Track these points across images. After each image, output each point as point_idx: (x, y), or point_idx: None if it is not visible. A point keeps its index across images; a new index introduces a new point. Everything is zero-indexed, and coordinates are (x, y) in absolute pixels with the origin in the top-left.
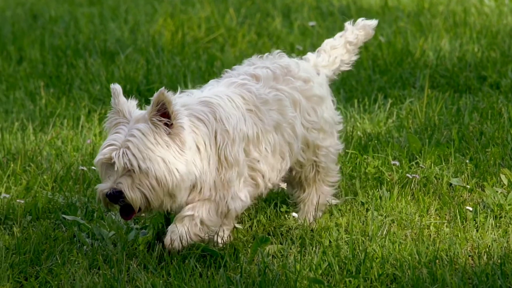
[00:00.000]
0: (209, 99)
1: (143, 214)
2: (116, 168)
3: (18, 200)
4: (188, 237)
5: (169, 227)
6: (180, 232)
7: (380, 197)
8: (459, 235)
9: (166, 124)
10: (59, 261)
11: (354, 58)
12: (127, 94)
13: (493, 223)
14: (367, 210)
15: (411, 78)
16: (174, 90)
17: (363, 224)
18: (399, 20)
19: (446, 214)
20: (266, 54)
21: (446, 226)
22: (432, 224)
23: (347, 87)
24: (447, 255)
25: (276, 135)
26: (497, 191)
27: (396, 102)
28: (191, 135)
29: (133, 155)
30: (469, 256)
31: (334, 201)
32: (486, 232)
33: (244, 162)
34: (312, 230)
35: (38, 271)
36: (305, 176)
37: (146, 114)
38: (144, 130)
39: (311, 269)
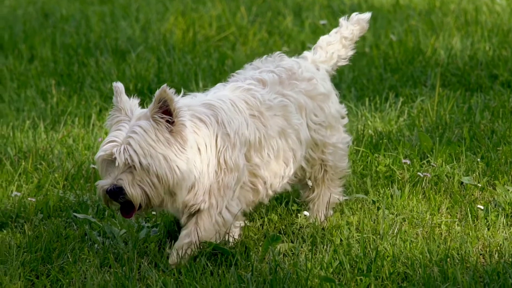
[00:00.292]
0: (212, 102)
1: (143, 213)
2: (117, 164)
3: (29, 198)
4: (191, 254)
5: (173, 248)
6: (183, 255)
7: (391, 196)
8: (470, 234)
9: (168, 121)
10: (70, 259)
11: (351, 52)
12: (138, 92)
13: (505, 222)
14: (378, 208)
15: (422, 76)
16: (186, 88)
17: (374, 222)
18: (411, 18)
19: (457, 213)
20: (265, 56)
21: (457, 224)
22: (443, 222)
23: (358, 86)
24: (458, 254)
25: (280, 141)
26: (508, 190)
27: (407, 100)
28: (192, 134)
29: (135, 151)
30: (480, 254)
31: (343, 198)
32: (497, 230)
33: (245, 168)
34: (323, 229)
35: (50, 269)
36: (314, 177)
37: (148, 112)
38: (145, 127)
39: (322, 267)
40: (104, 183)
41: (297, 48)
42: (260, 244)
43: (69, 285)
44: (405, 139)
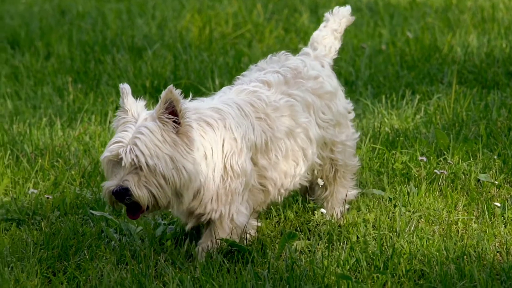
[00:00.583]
0: (220, 106)
1: (150, 214)
2: (123, 165)
3: (46, 196)
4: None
5: (195, 262)
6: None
7: (408, 193)
8: (487, 231)
9: (174, 122)
10: (87, 257)
11: (339, 45)
12: (154, 89)
13: None
14: (395, 206)
15: (439, 74)
16: (202, 86)
17: (390, 220)
18: (427, 16)
19: (474, 210)
20: (270, 55)
21: (474, 222)
22: (460, 220)
23: (375, 83)
24: (475, 251)
25: (288, 141)
26: None
27: (423, 98)
28: (198, 137)
29: (141, 151)
30: (497, 252)
31: (356, 191)
32: None
33: (252, 172)
34: (339, 226)
35: (66, 266)
36: (325, 176)
37: (154, 113)
38: (152, 128)
39: (339, 265)
40: (110, 184)
41: None
42: (276, 242)
43: (85, 282)
44: (422, 137)
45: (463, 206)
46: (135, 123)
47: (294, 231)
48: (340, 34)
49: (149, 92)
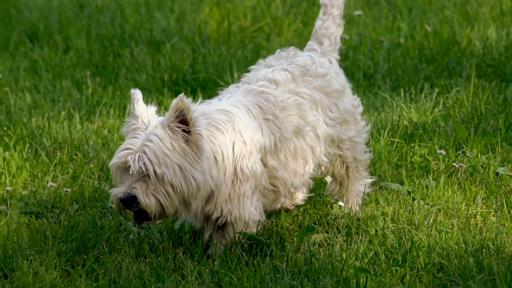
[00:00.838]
0: (228, 108)
1: (158, 221)
2: (131, 172)
3: (65, 189)
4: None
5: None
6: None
7: (427, 186)
8: (506, 224)
9: (184, 131)
10: (106, 250)
11: (342, 31)
12: (173, 83)
13: None
14: (414, 199)
15: (457, 67)
16: (220, 79)
17: (409, 213)
18: (446, 9)
19: (492, 203)
20: (278, 50)
21: (493, 215)
22: (479, 213)
23: (393, 76)
24: (494, 244)
25: (297, 141)
26: None
27: (442, 91)
28: (209, 144)
29: (149, 159)
30: None
31: (370, 180)
32: None
33: (263, 174)
34: (358, 219)
35: (85, 259)
36: (337, 173)
37: (164, 120)
38: (161, 136)
39: (357, 258)
40: (118, 191)
41: None
42: (295, 235)
43: (104, 275)
44: (440, 130)
45: (482, 199)
46: (145, 130)
47: (313, 224)
48: (340, 17)
49: (167, 85)
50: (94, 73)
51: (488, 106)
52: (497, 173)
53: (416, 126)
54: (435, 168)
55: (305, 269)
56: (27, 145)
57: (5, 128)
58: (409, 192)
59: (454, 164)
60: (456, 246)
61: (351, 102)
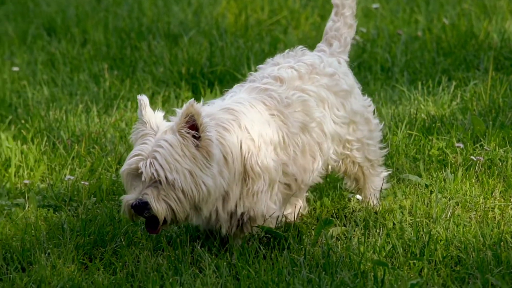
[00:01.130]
0: (232, 106)
1: (169, 227)
2: (143, 179)
3: (82, 182)
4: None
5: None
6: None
7: (444, 180)
8: None
9: (194, 136)
10: (124, 243)
11: (354, 32)
12: (190, 76)
13: None
14: (431, 192)
15: (475, 60)
16: (237, 72)
17: (427, 206)
18: (463, 2)
19: (510, 197)
20: (287, 50)
21: (511, 208)
22: (497, 206)
23: (411, 70)
24: None
25: (304, 136)
26: None
27: (460, 84)
28: (219, 147)
29: (160, 165)
30: None
31: (386, 173)
32: None
33: (278, 166)
34: (376, 213)
35: (103, 252)
36: (351, 171)
37: (174, 126)
38: (171, 142)
39: (375, 251)
40: (129, 197)
41: None
42: (312, 228)
43: (122, 268)
44: (458, 123)
45: (500, 192)
46: (154, 135)
47: (330, 218)
48: (352, 17)
49: (185, 78)
50: (111, 66)
51: (506, 99)
52: None
53: (434, 119)
54: (453, 161)
55: (323, 262)
56: (45, 138)
57: (23, 121)
58: (427, 185)
59: (472, 157)
60: (474, 240)
61: (360, 102)
